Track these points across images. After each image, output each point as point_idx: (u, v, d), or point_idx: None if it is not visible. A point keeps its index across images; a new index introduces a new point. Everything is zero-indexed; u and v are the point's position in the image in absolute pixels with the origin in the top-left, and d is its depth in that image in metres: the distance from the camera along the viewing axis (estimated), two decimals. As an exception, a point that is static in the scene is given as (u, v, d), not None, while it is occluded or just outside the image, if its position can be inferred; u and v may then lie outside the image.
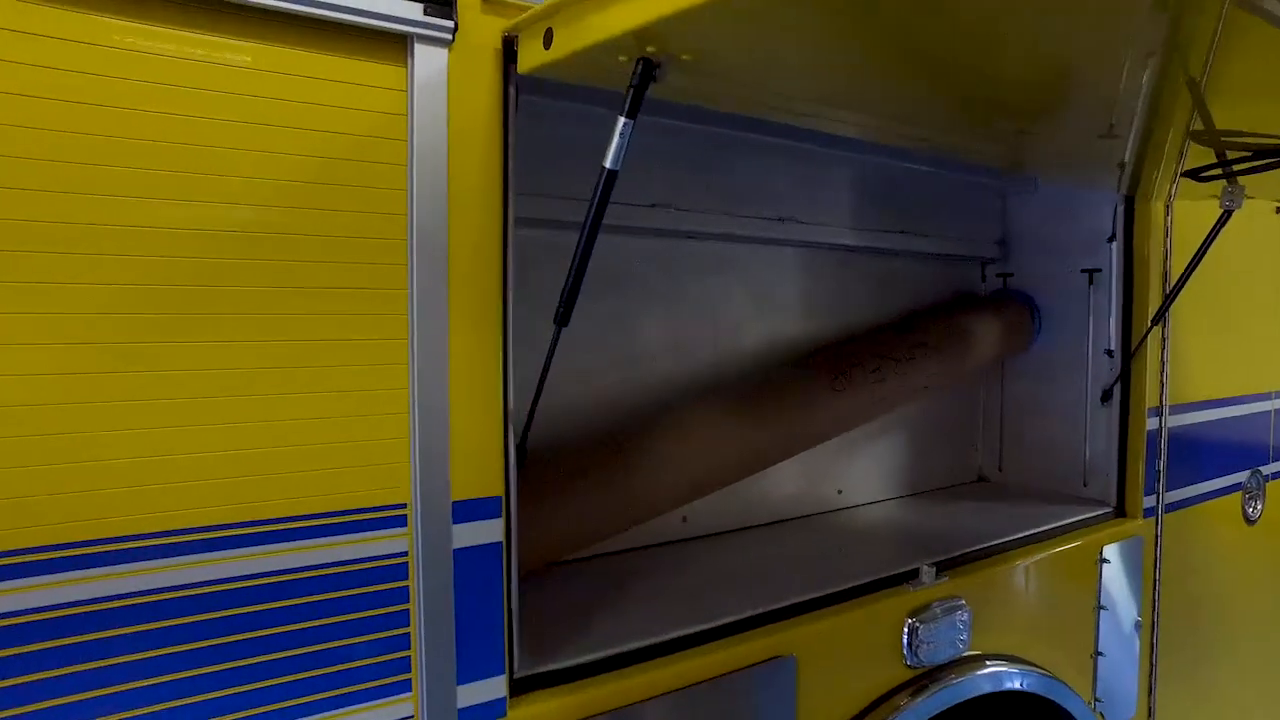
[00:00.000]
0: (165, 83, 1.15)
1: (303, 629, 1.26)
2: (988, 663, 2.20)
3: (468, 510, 1.40)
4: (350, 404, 1.30)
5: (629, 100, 1.26)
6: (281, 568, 1.25)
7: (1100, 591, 2.55)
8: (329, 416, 1.28)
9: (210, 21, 1.18)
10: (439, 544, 1.37)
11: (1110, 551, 2.58)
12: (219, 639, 1.20)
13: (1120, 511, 2.76)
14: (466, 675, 1.41)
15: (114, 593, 1.13)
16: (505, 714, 1.45)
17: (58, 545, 1.09)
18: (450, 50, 1.35)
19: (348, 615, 1.30)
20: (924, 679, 2.06)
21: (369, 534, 1.32)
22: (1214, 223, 2.17)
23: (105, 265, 1.12)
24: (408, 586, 1.36)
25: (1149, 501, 2.75)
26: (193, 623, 1.18)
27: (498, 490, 1.44)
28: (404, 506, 1.35)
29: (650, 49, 1.20)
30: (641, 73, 1.24)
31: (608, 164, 1.29)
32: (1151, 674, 2.74)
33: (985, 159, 2.70)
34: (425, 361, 1.35)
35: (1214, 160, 1.84)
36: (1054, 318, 2.99)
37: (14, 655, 1.07)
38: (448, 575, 1.38)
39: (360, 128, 1.30)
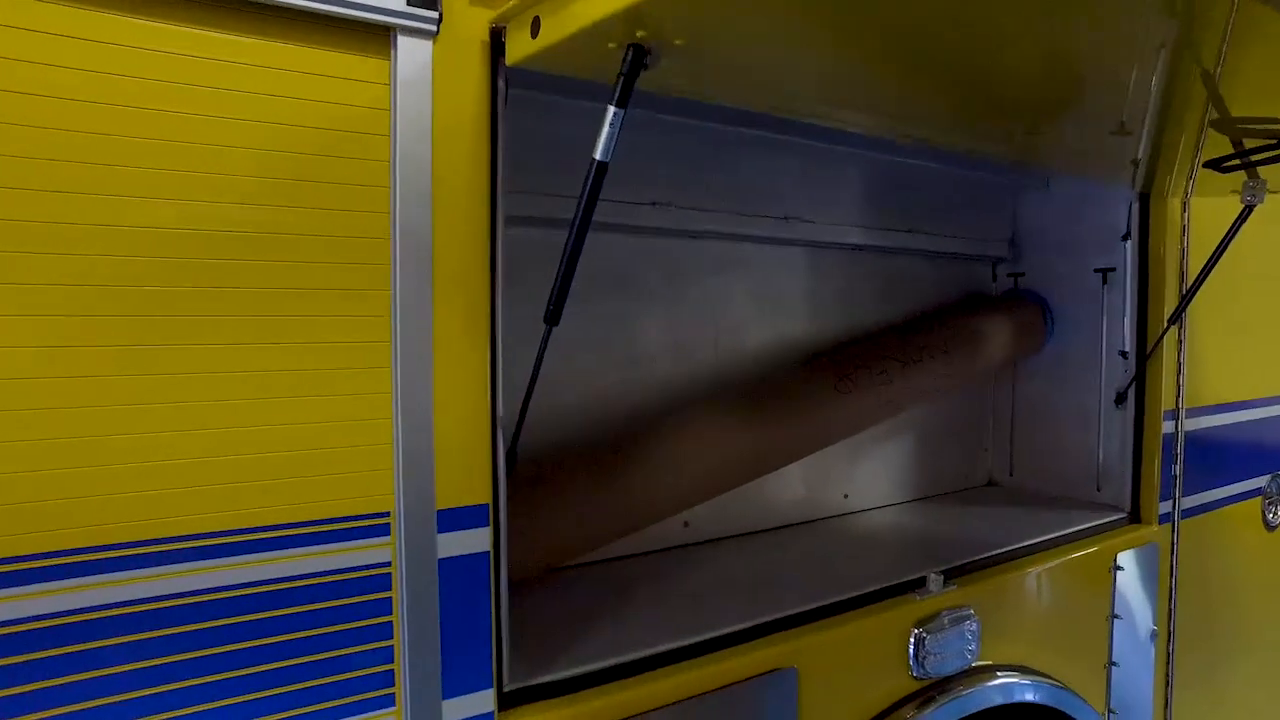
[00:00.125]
0: (135, 76, 1.10)
1: (280, 642, 1.22)
2: (998, 674, 2.14)
3: (453, 519, 1.36)
4: (330, 409, 1.25)
5: (619, 88, 1.21)
6: (257, 579, 1.20)
7: (1114, 600, 2.49)
8: (307, 422, 1.24)
9: (183, 12, 1.13)
10: (423, 554, 1.32)
11: (1124, 559, 2.51)
12: (189, 653, 1.15)
13: (1135, 517, 2.69)
14: (453, 689, 1.36)
15: (81, 605, 1.09)
16: (494, 729, 1.40)
17: (19, 558, 1.05)
18: (435, 42, 1.31)
19: (327, 628, 1.25)
20: (931, 691, 2.00)
21: (349, 544, 1.27)
22: (1233, 220, 2.10)
23: (69, 265, 1.08)
24: (390, 598, 1.31)
25: (1165, 507, 2.68)
26: (161, 637, 1.13)
27: (485, 498, 1.39)
28: (387, 515, 1.31)
29: (640, 33, 1.16)
30: (631, 59, 1.20)
31: (597, 155, 1.24)
32: (1168, 685, 2.67)
33: (995, 156, 2.64)
34: (409, 365, 1.30)
35: (1232, 152, 1.78)
36: (1067, 318, 2.92)
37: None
38: (432, 586, 1.33)
39: (341, 123, 1.25)
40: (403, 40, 1.28)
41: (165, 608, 1.14)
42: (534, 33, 1.27)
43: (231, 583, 1.18)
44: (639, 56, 1.19)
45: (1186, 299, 2.54)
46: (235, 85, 1.17)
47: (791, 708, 1.73)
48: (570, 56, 1.30)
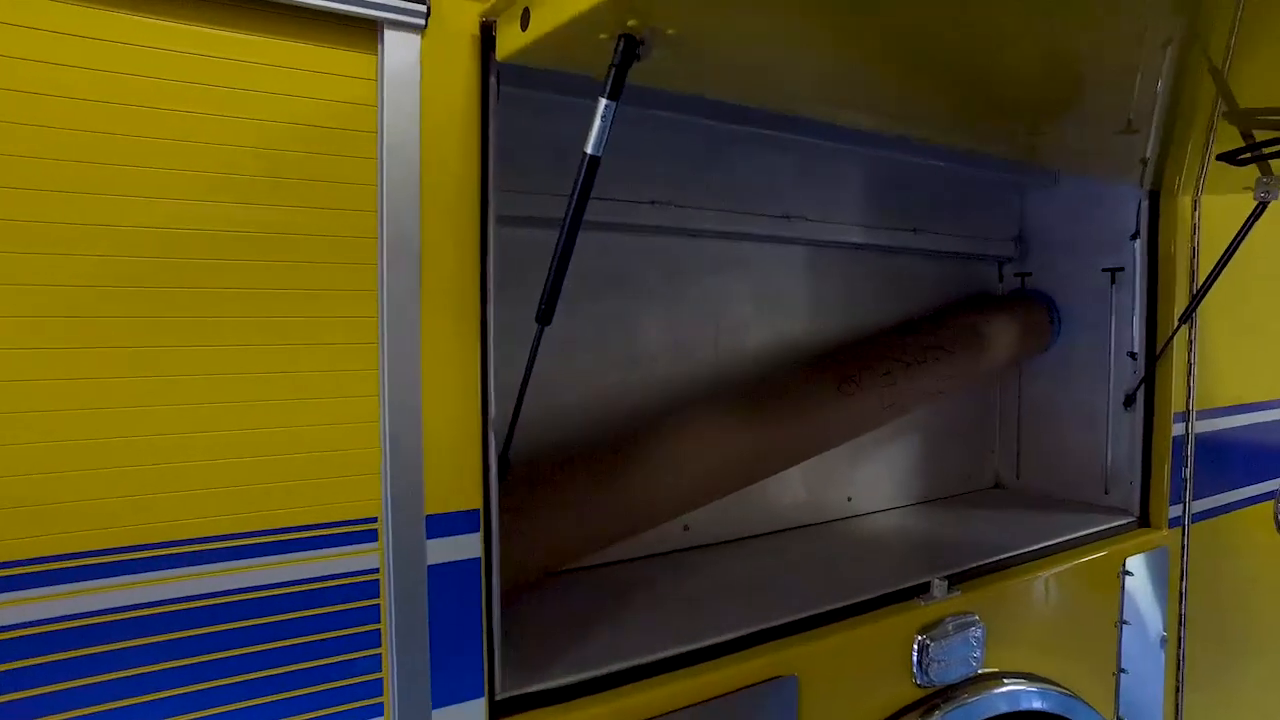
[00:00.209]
0: (115, 71, 1.08)
1: (264, 650, 1.19)
2: (1004, 681, 2.10)
3: (443, 524, 1.33)
4: (316, 412, 1.22)
5: (610, 80, 1.18)
6: (242, 585, 1.17)
7: (1123, 605, 2.44)
8: (290, 425, 1.21)
9: (162, 5, 1.10)
10: (411, 560, 1.29)
11: (1133, 563, 2.47)
12: (174, 662, 1.13)
13: (1144, 521, 2.64)
14: (442, 698, 1.33)
15: (53, 615, 1.06)
16: (485, 739, 1.37)
17: (-8, 564, 1.03)
18: (423, 36, 1.28)
19: (313, 636, 1.22)
20: (935, 699, 1.96)
21: (336, 549, 1.24)
22: (1245, 218, 2.05)
23: (46, 264, 1.05)
24: (379, 605, 1.28)
25: (1175, 511, 2.63)
26: (144, 645, 1.11)
27: (476, 503, 1.36)
28: (374, 521, 1.28)
29: (631, 22, 1.13)
30: (623, 50, 1.16)
31: (589, 149, 1.21)
32: (1178, 692, 2.63)
33: (1000, 154, 2.60)
34: (397, 367, 1.27)
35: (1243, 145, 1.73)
36: (1074, 319, 2.88)
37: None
38: (421, 593, 1.30)
39: (326, 119, 1.22)
40: (390, 34, 1.25)
41: (141, 616, 1.11)
42: (524, 25, 1.24)
43: (212, 590, 1.15)
44: (630, 47, 1.16)
45: (1197, 298, 2.49)
46: (215, 80, 1.14)
47: (791, 716, 1.70)
48: (562, 49, 1.27)
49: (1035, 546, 2.35)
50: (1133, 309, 2.67)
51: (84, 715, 1.07)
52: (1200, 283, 2.53)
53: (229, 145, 1.15)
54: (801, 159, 2.44)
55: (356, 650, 1.26)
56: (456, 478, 1.34)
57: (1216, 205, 2.61)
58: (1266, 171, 1.82)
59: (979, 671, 2.05)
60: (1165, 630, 2.56)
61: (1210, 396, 2.72)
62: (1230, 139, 1.83)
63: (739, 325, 2.45)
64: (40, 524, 1.05)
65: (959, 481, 3.06)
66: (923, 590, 2.01)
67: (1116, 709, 2.43)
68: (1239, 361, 2.87)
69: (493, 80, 1.37)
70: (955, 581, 2.06)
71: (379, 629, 1.28)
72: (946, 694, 1.98)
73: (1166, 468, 2.60)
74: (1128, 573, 2.45)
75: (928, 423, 2.91)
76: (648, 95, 1.74)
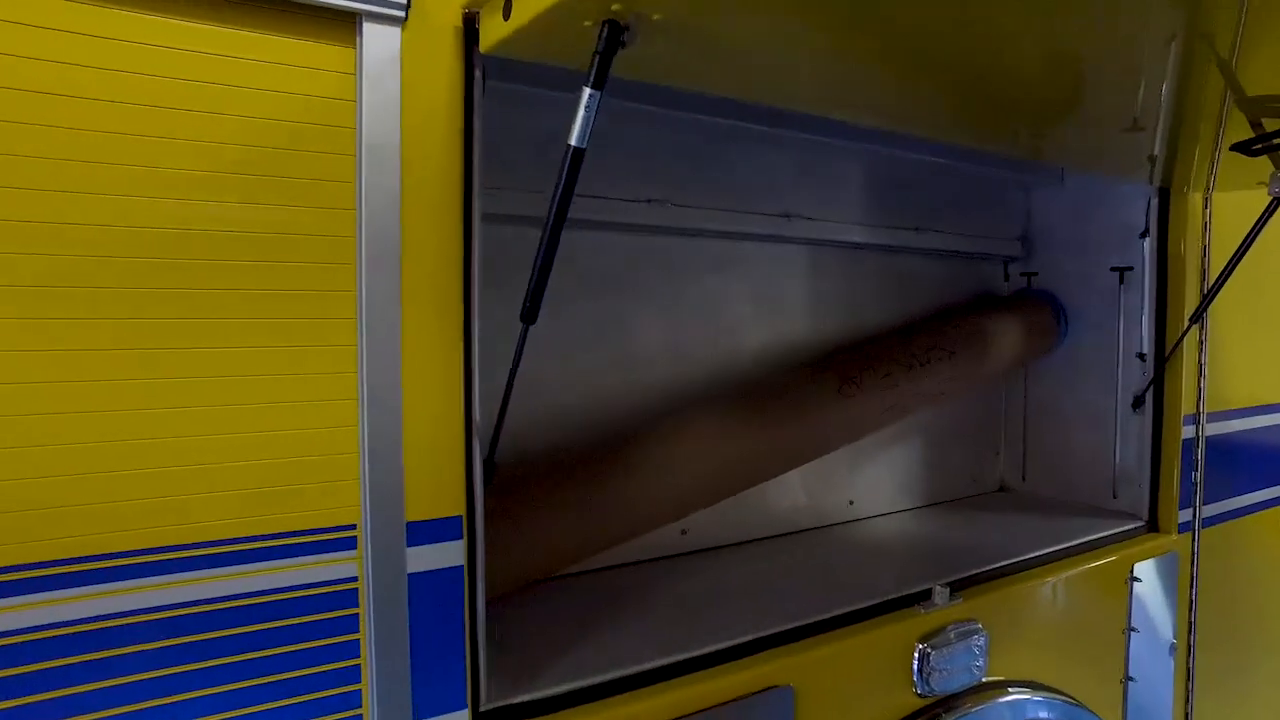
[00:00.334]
0: (79, 64, 1.04)
1: (238, 662, 1.15)
2: (1008, 690, 2.05)
3: (424, 532, 1.29)
4: (291, 416, 1.19)
5: (594, 68, 1.14)
6: (214, 595, 1.14)
7: (1131, 612, 2.39)
8: (268, 430, 1.17)
9: (131, -3, 1.07)
10: (391, 568, 1.26)
11: (1142, 569, 2.41)
12: (137, 675, 1.09)
13: (1153, 526, 2.59)
14: (424, 710, 1.29)
15: (16, 627, 1.02)
16: (469, 751, 1.33)
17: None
18: (404, 28, 1.24)
19: (289, 647, 1.19)
20: (936, 709, 1.91)
21: (313, 557, 1.21)
22: (1258, 215, 2.00)
23: (6, 264, 1.02)
24: (358, 614, 1.24)
25: (1184, 515, 2.57)
26: (107, 658, 1.07)
27: (459, 509, 1.32)
28: (353, 528, 1.24)
29: (615, 7, 1.08)
30: (607, 37, 1.12)
31: (573, 141, 1.16)
32: (1188, 701, 2.57)
33: (1004, 152, 2.55)
34: (375, 370, 1.23)
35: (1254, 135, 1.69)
36: (1081, 319, 2.82)
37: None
38: (401, 602, 1.27)
39: (301, 115, 1.18)
40: (369, 26, 1.21)
41: (113, 627, 1.08)
42: (506, 13, 1.19)
43: (184, 600, 1.12)
44: (615, 33, 1.12)
45: (1208, 298, 2.43)
46: (185, 74, 1.10)
47: (788, 728, 1.65)
48: (545, 39, 1.23)
49: (1040, 551, 2.30)
50: (1142, 309, 2.61)
51: (44, 730, 1.04)
52: (1212, 282, 2.48)
53: (199, 141, 1.11)
54: (801, 156, 2.40)
55: (334, 661, 1.22)
56: (438, 483, 1.30)
57: (1228, 202, 2.55)
58: (1280, 165, 1.77)
59: (982, 680, 2.00)
60: (1175, 637, 2.51)
61: (1221, 398, 2.66)
62: (1242, 132, 1.78)
63: (738, 325, 2.40)
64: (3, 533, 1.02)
65: (963, 485, 3.00)
66: (924, 597, 1.96)
67: (1124, 717, 2.37)
68: (1251, 362, 2.81)
69: (477, 74, 1.33)
70: (958, 588, 2.01)
71: (358, 639, 1.24)
72: (948, 704, 1.93)
73: (1176, 471, 2.55)
74: (1136, 578, 2.40)
75: (931, 425, 2.86)
76: (643, 91, 1.70)
